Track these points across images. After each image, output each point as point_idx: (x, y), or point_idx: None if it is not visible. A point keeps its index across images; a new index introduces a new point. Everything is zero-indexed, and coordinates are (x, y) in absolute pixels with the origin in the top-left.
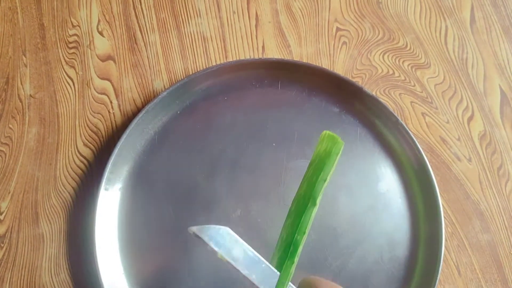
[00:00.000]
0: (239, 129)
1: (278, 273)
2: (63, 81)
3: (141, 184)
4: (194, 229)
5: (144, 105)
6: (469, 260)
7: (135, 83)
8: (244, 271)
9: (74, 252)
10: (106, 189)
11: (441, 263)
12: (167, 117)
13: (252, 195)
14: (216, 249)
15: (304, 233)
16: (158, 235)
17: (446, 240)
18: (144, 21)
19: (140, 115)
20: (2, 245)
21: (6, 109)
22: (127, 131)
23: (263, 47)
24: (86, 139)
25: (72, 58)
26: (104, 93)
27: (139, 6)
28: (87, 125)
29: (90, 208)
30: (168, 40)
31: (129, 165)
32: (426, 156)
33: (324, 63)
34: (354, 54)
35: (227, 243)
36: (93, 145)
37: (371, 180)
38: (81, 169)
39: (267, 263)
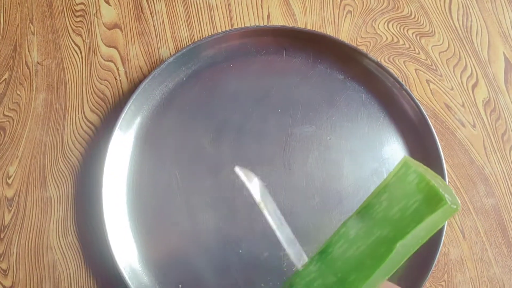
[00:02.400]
0: (244, 95)
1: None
2: (70, 49)
3: (147, 149)
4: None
5: (150, 72)
6: (473, 223)
7: (141, 51)
8: (274, 227)
9: (81, 214)
10: (113, 154)
11: (445, 227)
12: (173, 84)
13: (257, 160)
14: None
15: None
16: (165, 199)
17: None
18: None
19: (147, 80)
20: (10, 208)
21: (14, 76)
22: (134, 96)
23: (268, 16)
24: (93, 105)
25: (79, 26)
26: (110, 61)
27: None
28: (94, 92)
29: (97, 172)
30: (174, 9)
31: (136, 131)
32: (431, 122)
33: (329, 32)
34: (359, 22)
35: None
36: (100, 111)
37: (376, 145)
38: (88, 134)
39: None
